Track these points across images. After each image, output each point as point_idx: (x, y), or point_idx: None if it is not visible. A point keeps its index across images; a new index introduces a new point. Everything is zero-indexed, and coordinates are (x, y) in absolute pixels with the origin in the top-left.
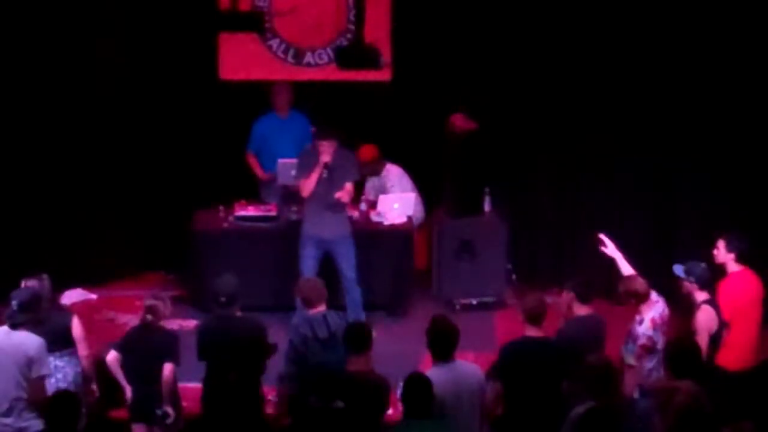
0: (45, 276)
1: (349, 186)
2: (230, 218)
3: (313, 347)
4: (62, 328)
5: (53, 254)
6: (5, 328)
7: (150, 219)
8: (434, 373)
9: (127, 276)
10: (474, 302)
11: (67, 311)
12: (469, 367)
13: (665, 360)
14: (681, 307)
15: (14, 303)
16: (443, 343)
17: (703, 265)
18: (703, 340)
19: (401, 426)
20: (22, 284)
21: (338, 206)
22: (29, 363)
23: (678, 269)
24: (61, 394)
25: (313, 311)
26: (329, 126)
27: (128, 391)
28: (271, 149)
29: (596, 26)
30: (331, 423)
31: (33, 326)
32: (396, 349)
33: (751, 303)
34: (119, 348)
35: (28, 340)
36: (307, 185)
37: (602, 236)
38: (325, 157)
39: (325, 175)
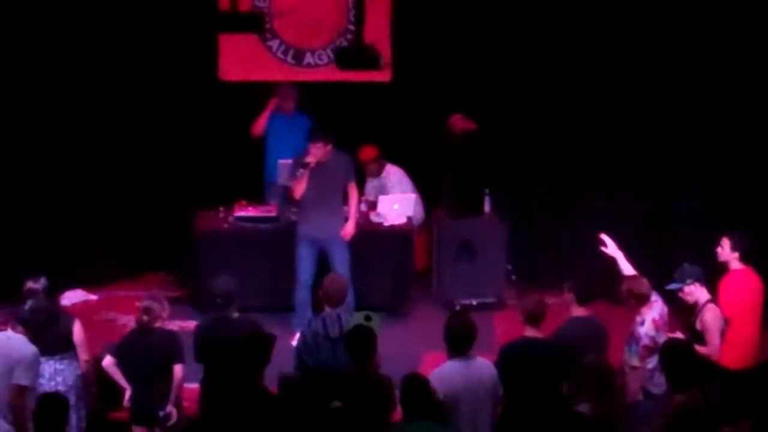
0: (42, 278)
1: (352, 188)
2: (230, 219)
3: (323, 344)
4: (64, 332)
5: (53, 254)
6: (8, 332)
7: (150, 219)
8: (450, 367)
9: (127, 276)
10: (474, 303)
11: (70, 315)
12: (484, 363)
13: (661, 365)
14: (680, 308)
15: (29, 306)
16: (461, 338)
17: (686, 264)
18: (715, 339)
19: (400, 427)
20: (27, 284)
21: (333, 207)
22: (15, 368)
23: (675, 285)
24: (49, 397)
25: (329, 309)
26: (320, 128)
27: (128, 392)
28: (274, 148)
29: (596, 26)
30: (333, 423)
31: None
32: (396, 349)
33: (753, 301)
34: (116, 351)
35: (22, 347)
36: (297, 187)
37: (603, 236)
38: (309, 158)
39: (298, 174)
